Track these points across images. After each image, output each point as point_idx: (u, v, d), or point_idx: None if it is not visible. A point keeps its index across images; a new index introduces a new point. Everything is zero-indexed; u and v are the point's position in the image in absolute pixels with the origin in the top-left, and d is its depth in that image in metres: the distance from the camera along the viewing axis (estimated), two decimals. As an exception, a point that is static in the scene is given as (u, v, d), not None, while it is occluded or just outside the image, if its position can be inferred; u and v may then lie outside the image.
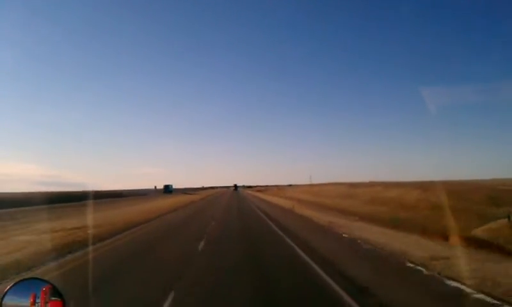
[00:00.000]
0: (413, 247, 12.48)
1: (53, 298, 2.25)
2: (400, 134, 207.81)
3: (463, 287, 7.61)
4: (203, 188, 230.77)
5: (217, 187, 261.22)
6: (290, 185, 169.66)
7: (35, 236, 17.43)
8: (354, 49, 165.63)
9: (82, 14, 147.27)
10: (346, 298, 6.95)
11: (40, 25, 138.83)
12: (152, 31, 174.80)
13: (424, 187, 32.75)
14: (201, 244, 14.13)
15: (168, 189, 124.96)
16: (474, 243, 13.65)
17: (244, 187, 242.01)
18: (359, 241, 14.46)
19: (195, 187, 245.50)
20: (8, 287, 2.15)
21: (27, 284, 2.25)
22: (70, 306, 2.32)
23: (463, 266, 9.08)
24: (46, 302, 2.21)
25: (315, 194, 60.86)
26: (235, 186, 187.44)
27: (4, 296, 2.12)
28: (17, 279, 2.26)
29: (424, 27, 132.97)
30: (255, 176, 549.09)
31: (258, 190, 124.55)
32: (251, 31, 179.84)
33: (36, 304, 2.18)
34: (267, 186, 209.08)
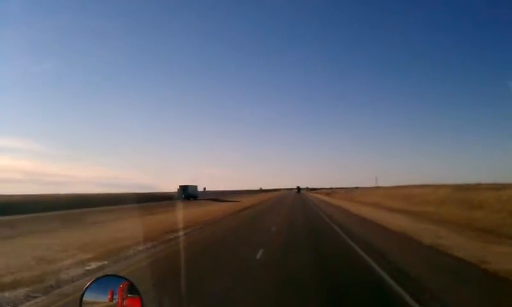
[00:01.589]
0: None
1: (130, 295, 2.26)
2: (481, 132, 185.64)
3: None
4: (260, 191, 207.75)
5: (280, 189, 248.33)
6: (356, 188, 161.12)
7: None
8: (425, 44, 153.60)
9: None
10: None
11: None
12: (222, 32, 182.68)
13: None
14: None
15: (187, 192, 74.63)
16: None
17: (307, 189, 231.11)
18: None
19: (253, 189, 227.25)
20: (88, 283, 2.23)
21: (105, 281, 2.30)
22: (146, 302, 2.30)
23: None
24: (123, 299, 2.24)
25: (407, 199, 41.04)
26: (298, 188, 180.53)
27: (84, 292, 2.18)
28: (96, 276, 2.30)
29: None
30: (316, 178, 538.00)
31: (327, 194, 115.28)
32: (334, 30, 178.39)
33: (114, 300, 2.21)
34: (331, 188, 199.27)
